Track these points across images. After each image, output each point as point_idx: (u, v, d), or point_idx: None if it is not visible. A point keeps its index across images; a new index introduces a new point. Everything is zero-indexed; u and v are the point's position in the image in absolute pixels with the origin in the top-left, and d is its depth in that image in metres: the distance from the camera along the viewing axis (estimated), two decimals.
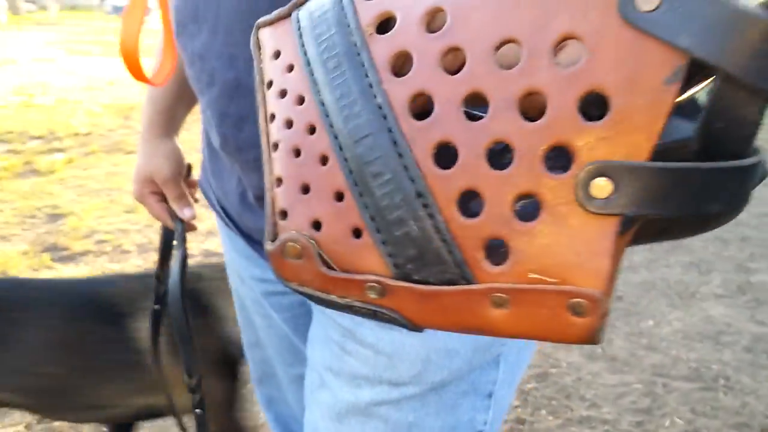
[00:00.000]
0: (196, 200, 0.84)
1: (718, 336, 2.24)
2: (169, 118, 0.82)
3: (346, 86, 0.31)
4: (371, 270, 0.31)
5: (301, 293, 0.34)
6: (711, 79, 0.26)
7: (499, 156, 0.27)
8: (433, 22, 0.30)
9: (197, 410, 0.82)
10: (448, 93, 0.28)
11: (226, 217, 0.70)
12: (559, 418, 1.81)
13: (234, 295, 0.83)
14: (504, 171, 0.27)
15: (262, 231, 0.62)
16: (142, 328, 1.15)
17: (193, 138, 1.20)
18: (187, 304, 0.76)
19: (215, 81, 0.56)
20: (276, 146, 0.33)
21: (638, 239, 0.31)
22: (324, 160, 0.31)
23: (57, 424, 1.66)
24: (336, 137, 0.31)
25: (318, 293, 0.32)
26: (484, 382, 0.59)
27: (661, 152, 0.25)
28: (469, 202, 0.28)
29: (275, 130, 0.33)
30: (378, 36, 0.31)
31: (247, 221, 0.65)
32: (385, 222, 0.30)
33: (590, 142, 0.25)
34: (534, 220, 0.27)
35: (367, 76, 0.30)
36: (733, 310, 2.41)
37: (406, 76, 0.29)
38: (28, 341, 1.16)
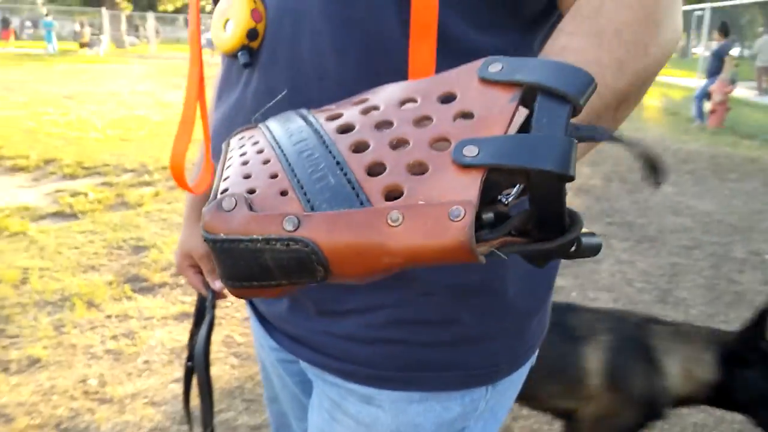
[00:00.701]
0: None
1: None
2: None
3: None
4: (291, 212, 0.37)
5: (223, 244, 0.38)
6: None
7: (399, 146, 0.40)
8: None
9: None
10: (363, 120, 0.42)
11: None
12: None
13: (257, 356, 0.97)
14: (402, 149, 0.40)
15: (272, 315, 0.76)
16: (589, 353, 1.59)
17: None
18: (209, 362, 0.90)
19: None
20: (229, 166, 0.45)
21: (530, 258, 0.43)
22: (266, 161, 0.42)
23: None
24: (277, 141, 0.43)
25: (241, 236, 0.37)
26: None
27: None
28: (376, 173, 0.40)
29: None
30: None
31: (260, 304, 0.79)
32: (309, 181, 0.38)
33: (463, 132, 0.38)
34: (425, 174, 0.38)
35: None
36: None
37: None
38: None
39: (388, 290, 0.63)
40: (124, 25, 26.08)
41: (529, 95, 0.39)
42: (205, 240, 0.38)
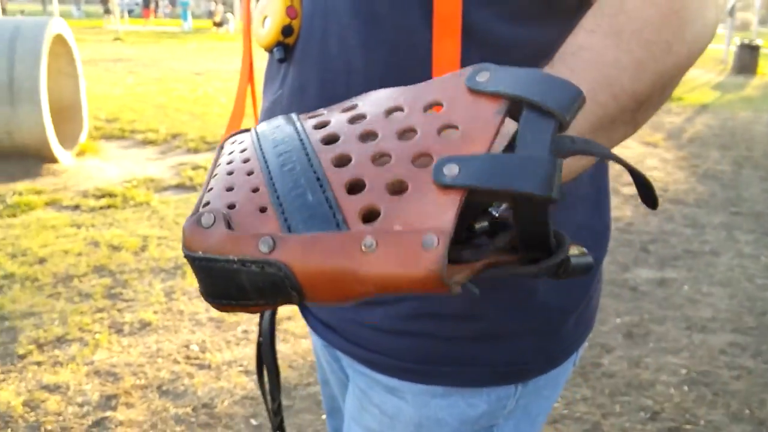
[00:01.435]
0: None
1: None
2: None
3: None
4: (268, 232, 0.37)
5: (201, 262, 0.38)
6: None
7: (381, 161, 0.39)
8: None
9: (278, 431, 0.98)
10: (349, 130, 0.42)
11: None
12: None
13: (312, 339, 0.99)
14: (383, 167, 0.39)
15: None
16: None
17: None
18: (275, 337, 0.93)
19: None
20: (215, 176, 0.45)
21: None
22: (249, 173, 0.42)
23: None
24: (263, 151, 0.43)
25: (217, 256, 0.37)
26: None
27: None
28: (356, 190, 0.39)
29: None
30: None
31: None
32: (288, 198, 0.38)
33: (446, 147, 0.37)
34: (404, 194, 0.37)
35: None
36: None
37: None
38: None
39: None
40: (254, 3, 27.01)
41: (516, 108, 0.37)
42: (184, 256, 0.38)
